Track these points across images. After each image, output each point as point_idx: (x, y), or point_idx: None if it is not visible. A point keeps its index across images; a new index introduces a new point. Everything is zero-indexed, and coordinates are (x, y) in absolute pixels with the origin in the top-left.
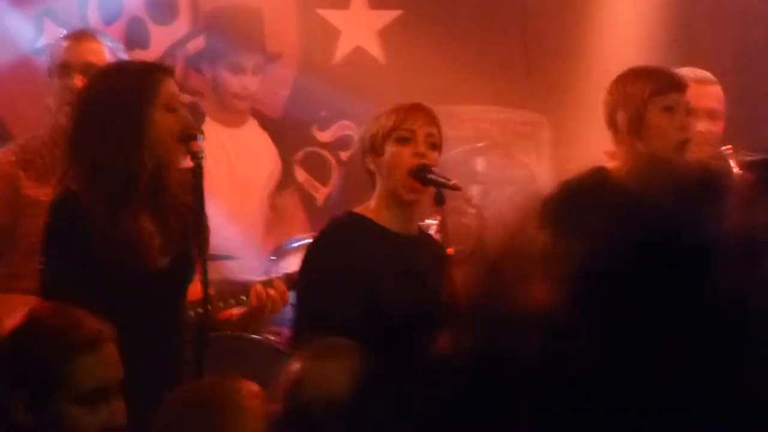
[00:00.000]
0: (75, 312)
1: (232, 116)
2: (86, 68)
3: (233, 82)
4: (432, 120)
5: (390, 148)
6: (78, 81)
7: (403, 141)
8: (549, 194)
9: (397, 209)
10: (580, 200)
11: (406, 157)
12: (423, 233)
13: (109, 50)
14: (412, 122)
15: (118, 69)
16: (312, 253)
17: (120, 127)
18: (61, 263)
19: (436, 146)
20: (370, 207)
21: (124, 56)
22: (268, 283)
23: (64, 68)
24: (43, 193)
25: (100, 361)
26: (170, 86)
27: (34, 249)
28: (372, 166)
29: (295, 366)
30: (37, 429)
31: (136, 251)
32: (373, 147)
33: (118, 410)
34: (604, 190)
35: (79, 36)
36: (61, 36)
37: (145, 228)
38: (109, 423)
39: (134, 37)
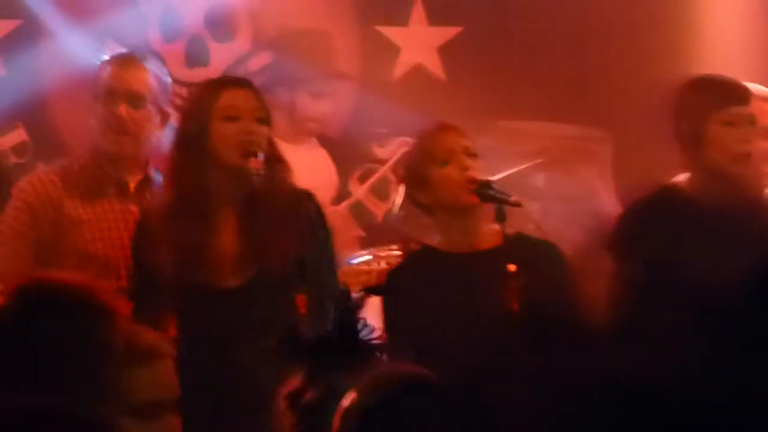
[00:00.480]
0: (133, 326)
1: (297, 135)
2: (131, 97)
3: (314, 108)
4: (461, 132)
5: (435, 174)
6: (122, 109)
7: (445, 163)
8: (617, 216)
9: (459, 231)
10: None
11: (454, 174)
12: (494, 248)
13: (153, 76)
14: (445, 141)
15: (195, 89)
16: (386, 289)
17: (187, 141)
18: (134, 278)
19: (475, 156)
20: (436, 237)
21: (168, 79)
22: None
23: (109, 95)
24: (84, 213)
25: (156, 376)
26: (231, 96)
27: (73, 269)
28: (424, 200)
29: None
30: None
31: (199, 268)
32: (417, 179)
33: (173, 426)
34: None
35: (125, 62)
36: (109, 59)
37: (222, 244)
38: None
39: (194, 55)
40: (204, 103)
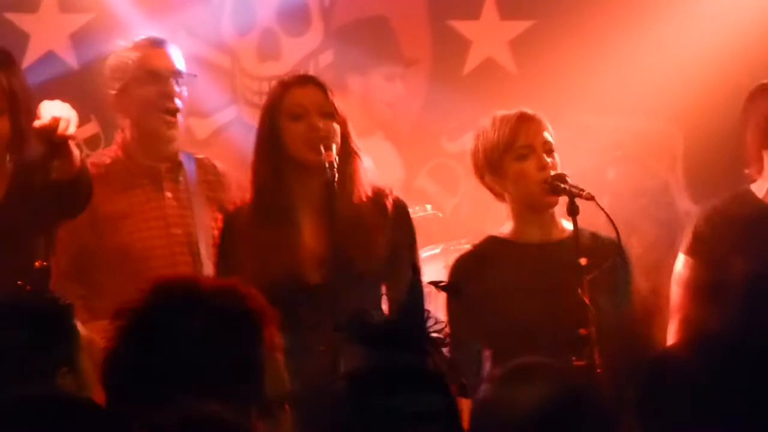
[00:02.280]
0: None
1: (361, 125)
2: (176, 75)
3: (386, 90)
4: (542, 126)
5: (512, 167)
6: (173, 87)
7: (523, 158)
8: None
9: (533, 222)
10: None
11: (532, 172)
12: (566, 239)
13: (180, 56)
14: (527, 136)
15: (270, 89)
16: (451, 278)
17: (262, 140)
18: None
19: (552, 151)
20: (508, 226)
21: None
22: None
23: (151, 76)
24: (120, 207)
25: (279, 372)
26: (295, 94)
27: (113, 267)
28: (496, 187)
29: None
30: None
31: (282, 265)
32: (492, 166)
33: (289, 421)
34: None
35: (158, 43)
36: (126, 47)
37: (304, 241)
38: None
39: (266, 49)
40: (272, 103)
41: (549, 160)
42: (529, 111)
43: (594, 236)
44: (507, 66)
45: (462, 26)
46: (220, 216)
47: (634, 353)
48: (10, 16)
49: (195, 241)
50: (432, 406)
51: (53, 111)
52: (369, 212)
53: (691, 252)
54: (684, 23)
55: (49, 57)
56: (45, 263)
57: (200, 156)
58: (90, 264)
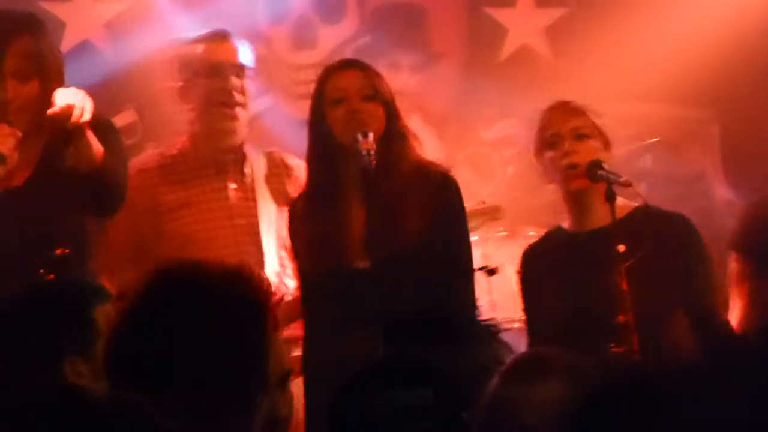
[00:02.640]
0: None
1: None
2: (236, 68)
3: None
4: (575, 112)
5: (546, 155)
6: (233, 81)
7: (552, 145)
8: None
9: (578, 210)
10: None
11: (558, 159)
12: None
13: (243, 48)
14: (554, 123)
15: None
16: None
17: (310, 127)
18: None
19: (586, 136)
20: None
21: (252, 52)
22: None
23: (212, 69)
24: (184, 196)
25: (278, 350)
26: (335, 79)
27: (174, 255)
28: (546, 179)
29: (497, 384)
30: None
31: (331, 250)
32: (538, 159)
33: (284, 402)
34: None
35: (220, 37)
36: (192, 39)
37: (353, 226)
38: (271, 414)
39: (302, 37)
40: (317, 90)
41: (575, 146)
42: (566, 100)
43: (647, 211)
44: (543, 53)
45: (498, 13)
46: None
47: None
48: (46, 4)
49: (258, 232)
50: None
51: (67, 98)
52: (413, 193)
53: (740, 250)
54: (721, 9)
55: (85, 46)
56: (66, 251)
57: (270, 149)
58: (149, 251)
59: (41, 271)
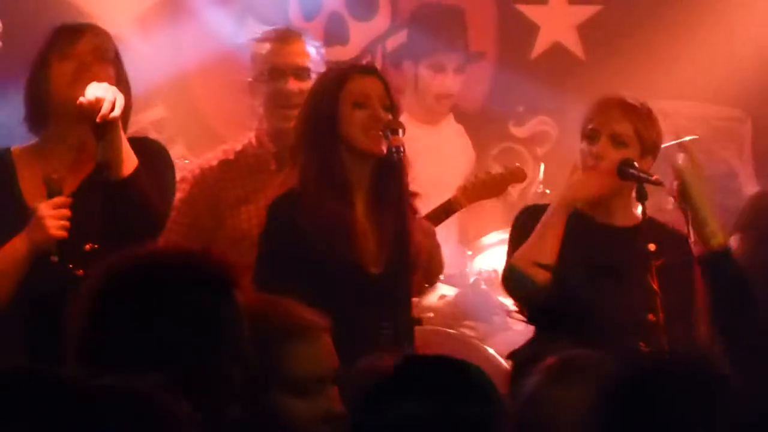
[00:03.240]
0: (289, 303)
1: (430, 115)
2: (297, 71)
3: (435, 82)
4: (623, 116)
5: (581, 144)
6: (292, 84)
7: (588, 139)
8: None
9: (602, 203)
10: None
11: (585, 154)
12: (647, 222)
13: (312, 47)
14: (599, 119)
15: (323, 73)
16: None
17: (317, 124)
18: (276, 262)
19: (624, 144)
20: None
21: (323, 50)
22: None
23: (274, 72)
24: (243, 193)
25: (316, 350)
26: (359, 83)
27: (228, 251)
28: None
29: (533, 382)
30: (253, 421)
31: (349, 253)
32: (581, 141)
33: (335, 399)
34: None
35: (286, 37)
36: (262, 36)
37: (362, 229)
38: (328, 412)
39: (333, 34)
40: (332, 87)
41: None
42: (623, 97)
43: (655, 223)
44: (575, 50)
45: (530, 10)
46: None
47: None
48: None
49: None
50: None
51: (97, 92)
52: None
53: (747, 231)
54: (755, 8)
55: (116, 40)
56: (96, 246)
57: None
58: (203, 243)
59: (70, 266)
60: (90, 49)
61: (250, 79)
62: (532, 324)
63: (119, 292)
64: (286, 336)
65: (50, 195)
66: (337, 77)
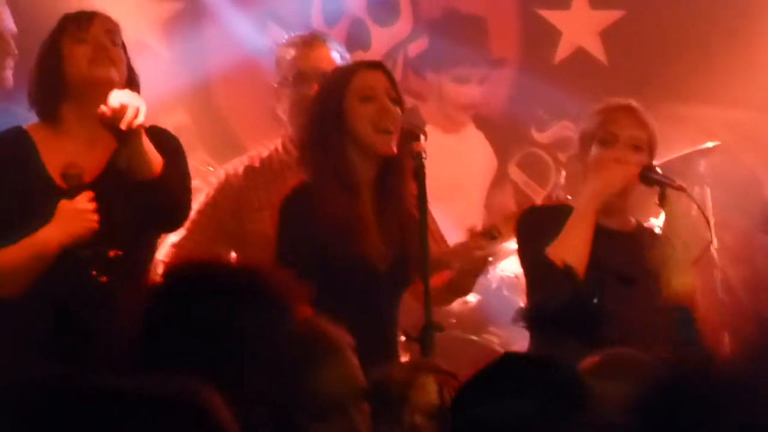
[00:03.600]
0: (315, 322)
1: (452, 123)
2: (321, 77)
3: (459, 93)
4: (638, 122)
5: (594, 149)
6: (314, 89)
7: (604, 144)
8: None
9: (608, 206)
10: None
11: (605, 160)
12: (641, 229)
13: (337, 54)
14: (615, 124)
15: (329, 71)
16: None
17: (325, 120)
18: (288, 257)
19: (639, 149)
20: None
21: (348, 56)
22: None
23: (299, 77)
24: (266, 198)
25: (340, 370)
26: (365, 77)
27: (249, 255)
28: (581, 166)
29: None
30: None
31: (347, 250)
32: (582, 145)
33: (363, 416)
34: None
35: (310, 42)
36: (287, 41)
37: (369, 225)
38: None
39: (355, 39)
40: (338, 83)
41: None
42: (630, 104)
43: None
44: (598, 56)
45: (552, 16)
46: None
47: None
48: (101, 2)
49: None
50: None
51: (121, 99)
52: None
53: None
54: None
55: (139, 45)
56: (120, 253)
57: None
58: (226, 247)
59: (93, 273)
60: (103, 31)
61: (275, 84)
62: (533, 330)
63: (179, 302)
64: (310, 360)
65: (71, 189)
66: (343, 73)
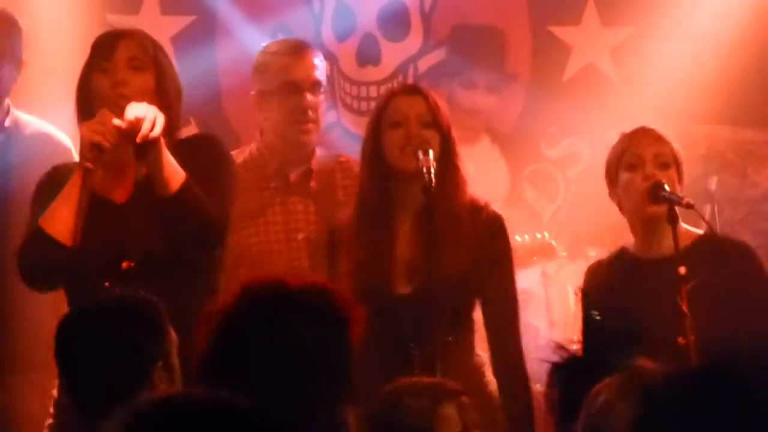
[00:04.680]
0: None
1: (465, 133)
2: (312, 86)
3: (464, 97)
4: (659, 140)
5: (622, 176)
6: (307, 99)
7: (632, 167)
8: None
9: (649, 235)
10: None
11: (637, 182)
12: (681, 252)
13: (321, 61)
14: (637, 146)
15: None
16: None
17: (365, 148)
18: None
19: (667, 165)
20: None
21: (324, 65)
22: None
23: (290, 86)
24: (243, 209)
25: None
26: (398, 103)
27: (230, 267)
28: (615, 199)
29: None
30: None
31: (375, 274)
32: (610, 178)
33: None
34: None
35: (298, 50)
36: (272, 48)
37: (400, 251)
38: None
39: (366, 54)
40: (377, 112)
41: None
42: (649, 127)
43: (711, 239)
44: (608, 72)
45: (562, 32)
46: None
47: None
48: (112, 18)
49: (317, 247)
50: None
51: (138, 111)
52: (465, 223)
53: None
54: None
55: None
56: (132, 264)
57: (342, 158)
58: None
59: (106, 284)
60: (125, 60)
61: (255, 92)
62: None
63: (250, 316)
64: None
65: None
66: (383, 100)
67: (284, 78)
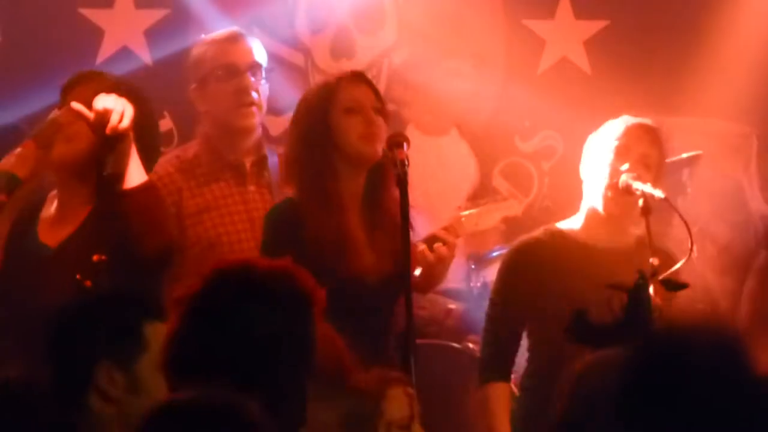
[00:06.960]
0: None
1: (436, 124)
2: (253, 68)
3: (443, 84)
4: (653, 141)
5: (606, 156)
6: (249, 80)
7: (618, 154)
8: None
9: (602, 224)
10: None
11: (614, 168)
12: (638, 245)
13: (260, 48)
14: (630, 138)
15: (312, 84)
16: (503, 271)
17: (310, 135)
18: None
19: (648, 168)
20: (577, 222)
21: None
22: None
23: (230, 70)
24: (203, 201)
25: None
26: (349, 90)
27: (199, 260)
28: (584, 174)
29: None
30: None
31: (345, 262)
32: (590, 151)
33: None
34: None
35: (232, 38)
36: (205, 41)
37: (355, 238)
38: None
39: (340, 47)
40: (322, 98)
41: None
42: (652, 124)
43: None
44: (581, 66)
45: (536, 25)
46: None
47: None
48: (85, 11)
49: None
50: None
51: (106, 103)
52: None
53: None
54: (763, 24)
55: (123, 52)
56: (103, 258)
57: (280, 152)
58: (176, 257)
59: (77, 276)
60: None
61: (194, 86)
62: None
63: (214, 301)
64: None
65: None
66: (327, 87)
67: (222, 61)
